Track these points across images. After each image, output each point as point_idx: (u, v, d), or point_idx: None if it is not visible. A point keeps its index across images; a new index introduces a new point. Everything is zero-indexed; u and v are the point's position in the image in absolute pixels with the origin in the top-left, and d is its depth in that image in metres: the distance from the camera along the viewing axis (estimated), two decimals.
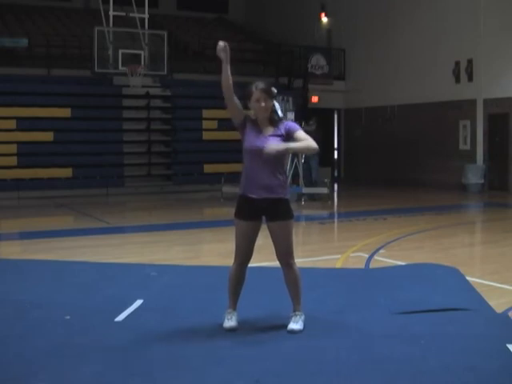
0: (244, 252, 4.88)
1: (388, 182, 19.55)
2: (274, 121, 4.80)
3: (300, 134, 4.76)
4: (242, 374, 4.04)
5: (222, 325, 4.90)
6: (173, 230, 10.94)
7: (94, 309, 5.55)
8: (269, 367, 4.17)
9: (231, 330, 4.83)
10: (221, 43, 4.57)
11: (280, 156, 4.73)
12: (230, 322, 4.88)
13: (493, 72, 17.24)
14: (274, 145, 4.60)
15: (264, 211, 4.78)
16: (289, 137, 4.75)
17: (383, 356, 4.36)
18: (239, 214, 4.84)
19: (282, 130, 4.78)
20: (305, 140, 4.70)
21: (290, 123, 4.88)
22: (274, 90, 4.84)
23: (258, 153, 4.65)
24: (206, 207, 15.43)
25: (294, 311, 4.93)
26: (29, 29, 20.98)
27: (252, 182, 4.74)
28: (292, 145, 4.68)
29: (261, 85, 4.74)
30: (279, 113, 4.82)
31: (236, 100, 4.74)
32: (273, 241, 4.87)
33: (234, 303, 4.96)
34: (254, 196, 4.75)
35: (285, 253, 4.85)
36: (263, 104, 4.71)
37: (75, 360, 4.31)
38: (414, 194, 17.14)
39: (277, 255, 4.91)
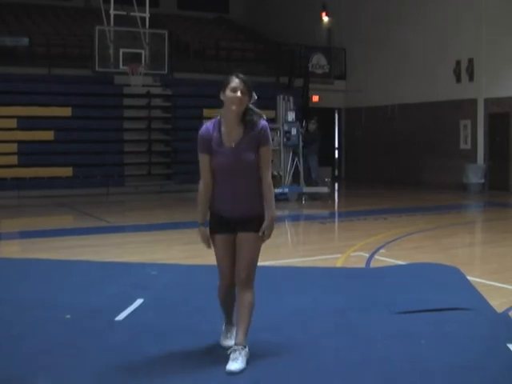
0: (227, 270, 4.30)
1: (388, 182, 19.54)
2: (248, 122, 4.18)
3: (266, 155, 4.21)
4: (242, 374, 4.04)
5: (221, 325, 4.89)
6: (173, 229, 10.94)
7: (94, 308, 5.55)
8: (269, 367, 4.17)
9: (228, 348, 4.28)
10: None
11: (253, 168, 4.20)
12: (227, 340, 4.48)
13: (493, 72, 17.23)
14: (269, 229, 4.19)
15: (237, 225, 4.26)
16: (258, 143, 4.17)
17: (383, 356, 4.35)
18: (214, 230, 4.38)
19: (254, 131, 4.18)
20: (266, 177, 4.21)
21: (265, 127, 4.20)
22: (254, 96, 4.25)
23: (228, 170, 4.23)
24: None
25: (236, 344, 4.16)
26: (29, 28, 20.96)
27: (226, 201, 4.29)
28: (272, 214, 4.20)
29: (242, 75, 4.14)
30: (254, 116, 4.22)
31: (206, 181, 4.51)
32: (237, 253, 4.24)
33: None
34: (228, 215, 4.28)
35: (246, 268, 4.19)
36: (239, 94, 4.08)
37: (75, 360, 4.31)
38: (414, 194, 17.12)
39: (236, 271, 4.24)
